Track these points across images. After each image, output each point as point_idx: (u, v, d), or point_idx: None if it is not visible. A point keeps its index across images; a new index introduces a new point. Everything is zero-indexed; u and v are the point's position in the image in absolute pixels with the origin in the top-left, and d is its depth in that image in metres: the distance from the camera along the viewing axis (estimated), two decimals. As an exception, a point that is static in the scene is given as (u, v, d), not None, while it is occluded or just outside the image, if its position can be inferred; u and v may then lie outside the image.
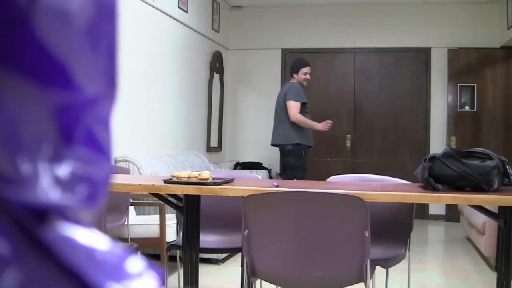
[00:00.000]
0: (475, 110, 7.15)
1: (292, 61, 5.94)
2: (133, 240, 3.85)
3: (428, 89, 7.44)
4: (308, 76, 5.71)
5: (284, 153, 5.67)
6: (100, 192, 0.38)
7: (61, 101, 0.35)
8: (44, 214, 0.34)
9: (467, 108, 7.21)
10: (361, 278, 2.17)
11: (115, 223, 3.82)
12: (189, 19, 6.30)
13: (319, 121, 7.68)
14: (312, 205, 2.20)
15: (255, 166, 7.48)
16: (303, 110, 5.59)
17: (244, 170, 6.99)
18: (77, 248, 0.35)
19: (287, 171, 5.52)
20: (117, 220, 3.86)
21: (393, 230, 2.85)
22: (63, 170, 0.35)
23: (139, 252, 3.11)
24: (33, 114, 0.34)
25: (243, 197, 2.23)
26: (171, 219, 3.88)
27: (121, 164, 4.50)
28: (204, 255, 4.25)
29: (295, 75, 5.72)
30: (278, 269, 2.29)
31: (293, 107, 5.52)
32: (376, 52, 7.62)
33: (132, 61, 4.92)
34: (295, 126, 5.55)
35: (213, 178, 2.58)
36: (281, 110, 5.69)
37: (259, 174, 6.54)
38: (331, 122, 5.63)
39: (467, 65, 7.16)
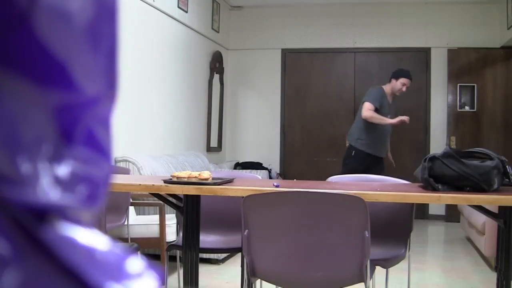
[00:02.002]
0: (475, 110, 7.15)
1: (398, 67, 5.81)
2: (133, 240, 3.85)
3: (428, 89, 7.44)
4: (404, 89, 5.56)
5: (348, 152, 5.69)
6: (100, 192, 0.38)
7: (61, 101, 0.35)
8: (44, 214, 0.34)
9: (467, 108, 7.20)
10: (361, 278, 2.17)
11: (115, 223, 3.82)
12: (189, 19, 6.30)
13: (319, 121, 7.72)
14: (312, 205, 2.20)
15: (255, 166, 7.49)
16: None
17: (244, 170, 6.99)
18: (77, 248, 0.35)
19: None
20: (117, 220, 3.86)
21: (393, 230, 2.85)
22: (63, 170, 0.35)
23: (139, 252, 3.11)
24: (33, 114, 0.34)
25: (243, 197, 2.23)
26: (171, 219, 3.88)
27: (121, 164, 4.50)
28: (204, 255, 4.25)
29: (393, 81, 5.57)
30: (278, 269, 2.29)
31: (366, 107, 5.40)
32: (376, 52, 7.62)
33: (132, 61, 4.92)
34: (360, 129, 5.49)
35: (213, 178, 2.58)
36: (359, 111, 5.63)
37: (259, 174, 6.54)
38: (408, 118, 5.46)
39: (467, 65, 7.16)
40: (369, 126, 5.43)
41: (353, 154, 5.51)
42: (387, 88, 5.58)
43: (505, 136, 7.07)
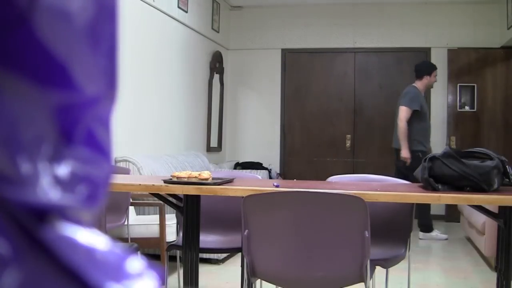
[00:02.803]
0: (475, 110, 7.15)
1: (421, 63, 5.88)
2: (133, 240, 3.85)
3: (428, 89, 7.44)
4: (436, 80, 5.71)
5: (397, 156, 5.64)
6: (100, 192, 0.38)
7: (61, 101, 0.35)
8: (44, 214, 0.34)
9: (467, 108, 7.20)
10: (361, 278, 2.17)
11: (115, 223, 3.82)
12: (189, 19, 6.30)
13: (319, 121, 7.71)
14: (312, 205, 2.20)
15: (255, 166, 7.48)
16: (418, 117, 5.52)
17: (244, 170, 6.99)
18: (77, 248, 0.35)
19: (402, 174, 5.30)
20: (117, 220, 3.86)
21: (393, 230, 2.85)
22: (63, 170, 0.35)
23: (139, 252, 3.11)
24: (33, 114, 0.34)
25: (243, 197, 2.23)
26: (171, 219, 3.88)
27: (121, 164, 4.50)
28: (204, 255, 4.25)
29: (426, 77, 5.62)
30: (278, 269, 2.29)
31: (402, 111, 5.50)
32: (376, 52, 7.62)
33: (132, 61, 4.92)
34: (408, 130, 5.51)
35: (213, 178, 2.58)
36: (397, 113, 5.68)
37: (259, 174, 6.54)
38: (409, 161, 5.49)
39: (467, 65, 7.16)
40: (416, 126, 5.46)
41: (420, 156, 5.30)
42: (419, 85, 5.64)
43: (505, 136, 7.06)
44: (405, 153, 5.46)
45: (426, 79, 5.64)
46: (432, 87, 5.81)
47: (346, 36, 7.65)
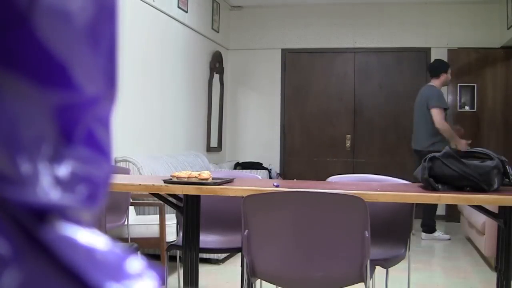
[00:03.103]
0: (475, 110, 7.15)
1: (435, 62, 5.95)
2: (133, 240, 3.85)
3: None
4: (451, 77, 5.82)
5: (421, 158, 5.67)
6: (100, 192, 0.38)
7: (61, 101, 0.35)
8: (44, 214, 0.34)
9: (467, 108, 7.20)
10: (361, 278, 2.17)
11: (115, 223, 3.82)
12: (189, 19, 6.30)
13: (319, 121, 7.72)
14: (312, 205, 2.20)
15: (255, 166, 7.48)
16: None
17: (244, 170, 6.99)
18: (77, 248, 0.35)
19: None
20: (117, 220, 3.86)
21: (393, 230, 2.85)
22: (63, 170, 0.35)
23: (139, 252, 3.11)
24: (33, 114, 0.34)
25: (243, 197, 2.23)
26: (171, 219, 3.88)
27: (121, 164, 4.50)
28: (204, 255, 4.25)
29: (443, 74, 5.71)
30: (278, 269, 2.29)
31: (437, 114, 5.56)
32: (376, 52, 7.62)
33: (131, 61, 4.92)
34: (432, 132, 5.56)
35: (213, 178, 2.58)
36: (421, 115, 5.70)
37: (259, 174, 6.54)
38: (469, 142, 5.58)
39: (467, 65, 7.16)
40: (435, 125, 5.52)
41: None
42: (436, 83, 5.73)
43: (505, 136, 7.07)
44: (463, 143, 5.52)
45: (443, 76, 5.72)
46: (448, 84, 5.87)
47: (346, 36, 7.65)
